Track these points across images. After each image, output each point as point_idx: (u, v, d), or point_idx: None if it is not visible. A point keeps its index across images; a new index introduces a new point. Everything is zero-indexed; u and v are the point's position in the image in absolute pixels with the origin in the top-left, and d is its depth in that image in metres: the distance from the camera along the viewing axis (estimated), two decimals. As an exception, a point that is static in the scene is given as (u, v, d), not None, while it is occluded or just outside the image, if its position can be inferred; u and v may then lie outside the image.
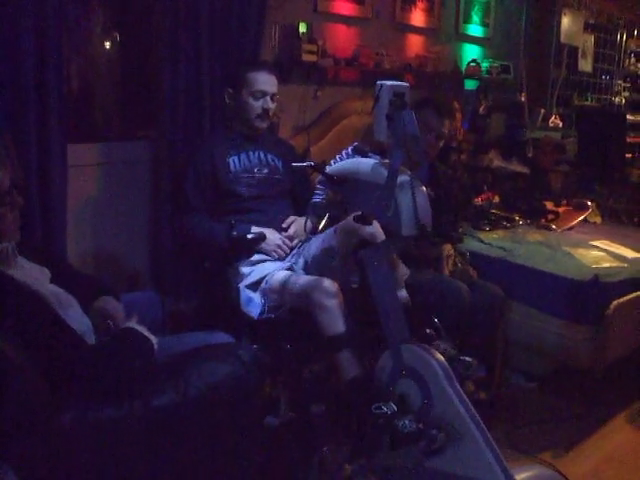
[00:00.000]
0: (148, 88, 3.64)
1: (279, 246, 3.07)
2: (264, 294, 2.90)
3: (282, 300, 2.84)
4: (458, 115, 4.67)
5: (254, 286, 2.95)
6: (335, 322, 2.66)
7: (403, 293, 3.00)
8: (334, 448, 2.65)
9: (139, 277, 3.60)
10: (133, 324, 2.18)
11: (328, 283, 2.72)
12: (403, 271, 3.06)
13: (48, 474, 1.88)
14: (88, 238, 3.40)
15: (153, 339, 2.17)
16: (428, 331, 2.77)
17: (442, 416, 2.28)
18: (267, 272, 2.95)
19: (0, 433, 1.81)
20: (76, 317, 2.14)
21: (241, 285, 2.95)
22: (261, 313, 2.88)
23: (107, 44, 3.78)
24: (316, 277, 2.80)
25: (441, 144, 3.61)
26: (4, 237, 2.06)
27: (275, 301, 2.86)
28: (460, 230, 3.94)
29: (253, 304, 2.90)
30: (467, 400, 2.33)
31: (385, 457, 2.33)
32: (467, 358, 2.67)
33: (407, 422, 2.27)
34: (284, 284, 2.86)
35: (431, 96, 3.65)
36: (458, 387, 2.34)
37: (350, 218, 2.67)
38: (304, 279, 2.84)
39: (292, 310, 2.84)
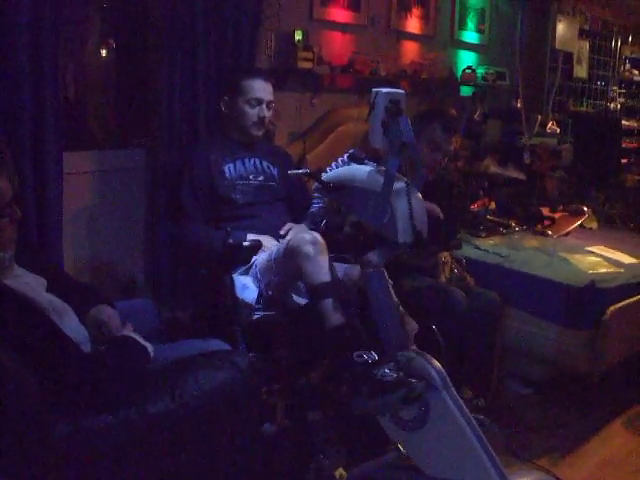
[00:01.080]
0: (144, 96, 3.65)
1: (275, 253, 3.08)
2: (256, 278, 2.91)
3: (274, 273, 2.85)
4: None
5: (245, 272, 2.96)
6: (319, 270, 2.67)
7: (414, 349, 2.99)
8: (330, 455, 2.64)
9: (135, 284, 3.60)
10: (129, 332, 2.18)
11: (308, 234, 2.76)
12: (413, 326, 3.05)
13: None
14: (84, 246, 3.40)
15: (149, 347, 2.17)
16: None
17: (439, 424, 2.28)
18: (254, 258, 2.97)
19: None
20: (72, 326, 2.13)
21: (234, 275, 2.95)
22: (258, 296, 2.88)
23: (103, 52, 3.79)
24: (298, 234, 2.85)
25: (446, 160, 3.61)
26: (2, 247, 2.06)
27: (267, 278, 2.87)
28: (458, 236, 3.94)
29: (248, 290, 2.91)
30: (464, 407, 2.33)
31: (364, 405, 2.33)
32: (480, 416, 2.68)
33: (387, 370, 2.27)
34: (270, 257, 2.88)
35: (437, 109, 3.62)
36: (455, 393, 2.34)
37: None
38: (285, 242, 2.87)
39: (284, 281, 2.85)
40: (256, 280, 2.92)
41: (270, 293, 2.87)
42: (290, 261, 2.75)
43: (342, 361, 2.47)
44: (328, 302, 2.64)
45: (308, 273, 2.69)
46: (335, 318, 2.61)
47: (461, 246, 3.85)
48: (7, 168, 2.08)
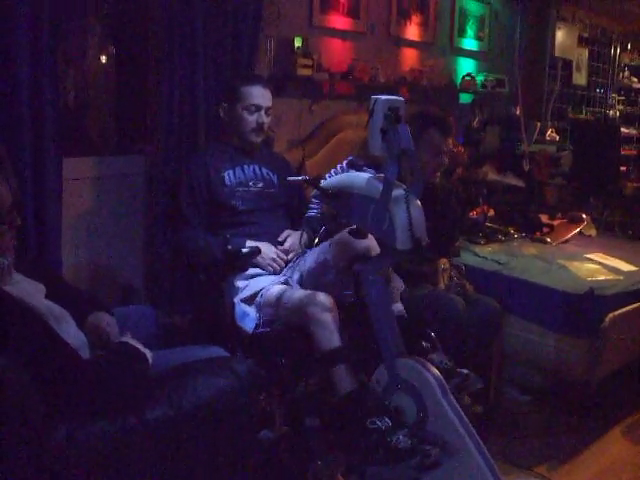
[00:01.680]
0: (143, 102, 3.65)
1: (274, 260, 3.07)
2: (259, 308, 2.89)
3: (277, 314, 2.84)
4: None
5: (249, 300, 2.94)
6: (330, 336, 2.66)
7: (398, 306, 3.00)
8: (328, 462, 2.64)
9: (133, 291, 3.60)
10: (127, 339, 2.18)
11: (323, 297, 2.72)
12: (398, 284, 3.06)
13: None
14: (83, 252, 3.40)
15: (147, 353, 2.17)
16: (424, 344, 2.77)
17: (437, 430, 2.28)
18: (262, 286, 2.95)
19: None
20: (71, 332, 2.13)
21: (236, 299, 2.95)
22: (256, 327, 2.87)
23: (103, 58, 3.79)
24: (311, 291, 2.80)
25: (447, 161, 3.61)
26: (1, 253, 2.06)
27: (270, 315, 2.86)
28: (457, 243, 3.94)
29: (248, 319, 2.90)
30: (462, 413, 2.33)
31: (379, 473, 2.32)
32: (464, 370, 2.67)
33: (401, 437, 2.27)
34: (279, 298, 2.85)
35: (431, 113, 3.63)
36: (453, 401, 2.34)
37: (345, 232, 2.67)
38: (299, 293, 2.83)
39: (287, 324, 2.83)
40: (258, 309, 2.90)
41: (268, 330, 2.86)
42: (298, 314, 2.74)
43: (356, 429, 2.45)
44: (339, 369, 2.63)
45: (318, 338, 2.68)
46: (347, 384, 2.61)
47: (459, 253, 3.86)
48: (7, 174, 2.08)
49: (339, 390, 2.61)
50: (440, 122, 3.50)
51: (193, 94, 3.52)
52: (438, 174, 3.56)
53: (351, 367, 2.64)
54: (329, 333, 2.66)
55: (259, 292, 2.93)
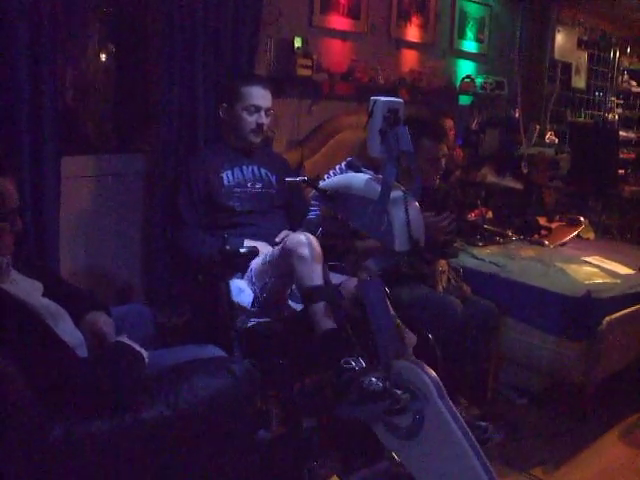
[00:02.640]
0: (142, 101, 3.65)
1: (272, 260, 3.07)
2: (251, 281, 2.91)
3: (269, 275, 2.85)
4: (451, 132, 4.69)
5: (241, 276, 2.96)
6: (310, 273, 2.67)
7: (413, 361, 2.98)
8: (325, 463, 2.64)
9: (131, 290, 3.60)
10: (124, 338, 2.18)
11: (302, 235, 2.75)
12: (411, 339, 3.05)
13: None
14: (81, 250, 3.40)
15: (144, 353, 2.16)
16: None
17: (433, 432, 2.28)
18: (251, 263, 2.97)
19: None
20: (68, 330, 2.14)
21: (231, 280, 2.95)
22: (254, 299, 2.88)
23: (102, 56, 3.79)
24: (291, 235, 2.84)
25: (444, 165, 3.62)
26: (1, 251, 2.06)
27: (262, 281, 2.87)
28: (455, 245, 3.95)
29: (244, 294, 2.91)
30: (459, 416, 2.33)
31: (349, 411, 2.33)
32: (482, 423, 2.68)
33: (373, 379, 2.27)
34: (264, 260, 2.89)
35: (422, 120, 3.64)
36: (450, 403, 2.34)
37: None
38: (280, 245, 2.87)
39: (278, 280, 2.84)
40: (251, 283, 2.92)
41: (265, 296, 2.87)
42: (284, 262, 2.75)
43: (330, 366, 2.47)
44: (320, 306, 2.64)
45: (301, 275, 2.69)
46: (326, 322, 2.61)
47: (457, 254, 3.86)
48: (13, 175, 2.11)
49: (318, 327, 2.61)
50: (431, 129, 3.52)
51: (192, 93, 3.52)
52: (438, 177, 3.57)
53: (330, 306, 2.64)
54: (309, 269, 2.67)
55: (248, 268, 2.95)
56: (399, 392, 2.24)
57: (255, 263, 2.94)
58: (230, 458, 2.23)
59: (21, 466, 1.84)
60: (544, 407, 3.83)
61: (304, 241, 2.71)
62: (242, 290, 2.93)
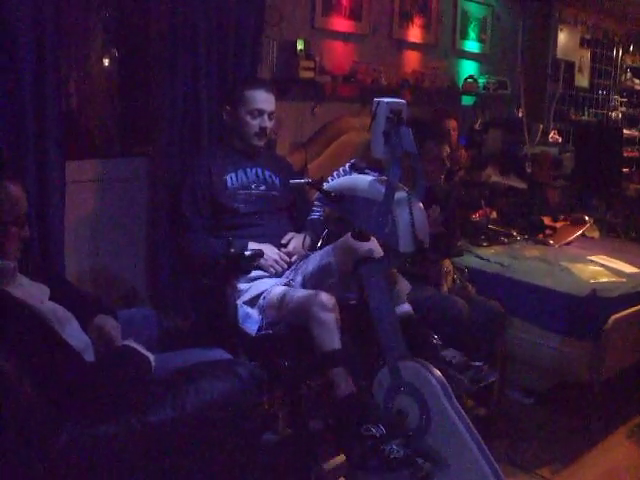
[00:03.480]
0: (146, 105, 3.65)
1: (277, 261, 3.07)
2: (262, 310, 2.90)
3: (279, 316, 2.84)
4: (454, 133, 4.70)
5: (251, 302, 2.95)
6: (331, 337, 2.66)
7: (406, 306, 3.00)
8: (331, 464, 2.65)
9: (136, 294, 3.60)
10: (130, 342, 2.18)
11: (325, 297, 2.72)
12: (405, 286, 3.06)
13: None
14: (86, 254, 3.40)
15: (150, 356, 2.17)
16: (435, 341, 2.77)
17: (433, 442, 2.28)
18: (264, 288, 2.95)
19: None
20: (74, 334, 2.14)
21: (239, 301, 2.95)
22: (259, 329, 2.87)
23: (105, 61, 3.80)
24: (314, 291, 2.80)
25: (449, 164, 3.63)
26: (7, 256, 2.07)
27: (273, 317, 2.86)
28: (459, 244, 3.94)
29: (251, 320, 2.90)
30: (465, 416, 2.33)
31: (370, 477, 2.33)
32: (477, 363, 2.68)
33: (394, 446, 2.27)
34: (282, 299, 2.86)
35: (425, 123, 3.65)
36: (456, 403, 2.34)
37: (348, 235, 2.67)
38: (301, 293, 2.84)
39: (289, 325, 2.83)
40: (261, 311, 2.90)
41: (270, 332, 2.87)
42: (300, 314, 2.73)
43: (350, 432, 2.45)
44: (338, 371, 2.63)
45: (318, 338, 2.67)
46: (345, 388, 2.60)
47: (462, 253, 3.86)
48: (22, 180, 2.13)
49: (337, 393, 2.61)
50: (434, 132, 3.53)
51: (196, 97, 3.53)
52: (442, 177, 3.58)
53: (350, 370, 2.64)
54: (329, 334, 2.66)
55: (261, 294, 2.93)
56: (421, 461, 2.25)
57: (271, 294, 2.91)
58: (237, 460, 2.23)
59: (29, 470, 1.85)
60: (550, 407, 3.82)
61: (327, 305, 2.69)
62: (249, 317, 2.92)
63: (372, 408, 2.51)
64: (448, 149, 3.60)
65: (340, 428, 2.59)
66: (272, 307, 2.86)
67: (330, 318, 2.66)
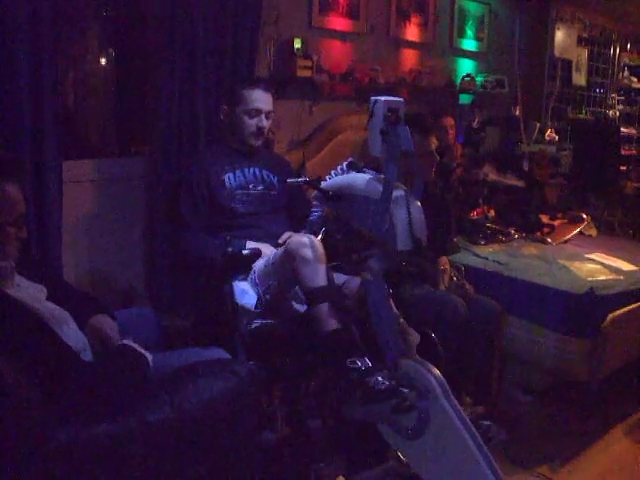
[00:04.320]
0: (143, 104, 3.65)
1: (274, 261, 3.08)
2: (254, 283, 2.91)
3: (271, 278, 2.85)
4: (451, 131, 4.70)
5: (245, 279, 2.97)
6: (313, 274, 2.66)
7: (417, 359, 2.99)
8: (330, 463, 2.64)
9: (134, 293, 3.60)
10: (128, 341, 2.18)
11: (305, 237, 2.75)
12: (415, 337, 3.05)
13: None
14: (83, 254, 3.40)
15: (148, 356, 2.17)
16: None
17: (438, 430, 2.28)
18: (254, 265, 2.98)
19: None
20: (72, 334, 2.14)
21: (234, 282, 2.95)
22: (258, 301, 2.88)
23: (102, 61, 3.80)
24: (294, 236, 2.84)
25: (438, 159, 3.62)
26: (5, 257, 2.07)
27: (265, 282, 2.87)
28: (455, 240, 3.94)
29: (248, 296, 2.90)
30: (464, 414, 2.33)
31: (355, 411, 2.33)
32: (486, 422, 2.68)
33: (379, 379, 2.27)
34: (267, 262, 2.89)
35: (408, 116, 3.65)
36: (455, 402, 2.33)
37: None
38: (283, 247, 2.87)
39: (282, 283, 2.84)
40: (255, 285, 2.92)
41: (268, 297, 2.87)
42: (287, 264, 2.74)
43: (335, 367, 2.47)
44: (324, 307, 2.63)
45: (304, 277, 2.68)
46: (330, 323, 2.61)
47: (459, 250, 3.86)
48: (19, 181, 2.12)
49: (323, 328, 2.61)
50: (417, 124, 3.52)
51: (193, 96, 3.53)
52: (433, 171, 3.58)
53: (334, 307, 2.64)
54: (312, 270, 2.67)
55: (251, 270, 2.95)
56: (406, 390, 2.24)
57: (258, 265, 2.94)
58: (235, 460, 2.23)
59: (25, 470, 1.85)
60: (549, 405, 3.82)
61: (307, 243, 2.71)
62: (246, 292, 2.93)
63: (358, 343, 2.52)
64: (435, 141, 3.59)
65: (326, 363, 2.60)
66: (262, 274, 2.88)
67: (312, 254, 2.68)
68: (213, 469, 2.17)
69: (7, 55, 2.81)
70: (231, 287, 2.94)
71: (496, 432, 2.72)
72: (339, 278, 2.99)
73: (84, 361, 2.09)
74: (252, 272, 2.95)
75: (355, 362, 2.36)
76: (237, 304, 2.91)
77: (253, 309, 2.88)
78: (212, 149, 3.37)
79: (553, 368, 3.73)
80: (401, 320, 2.84)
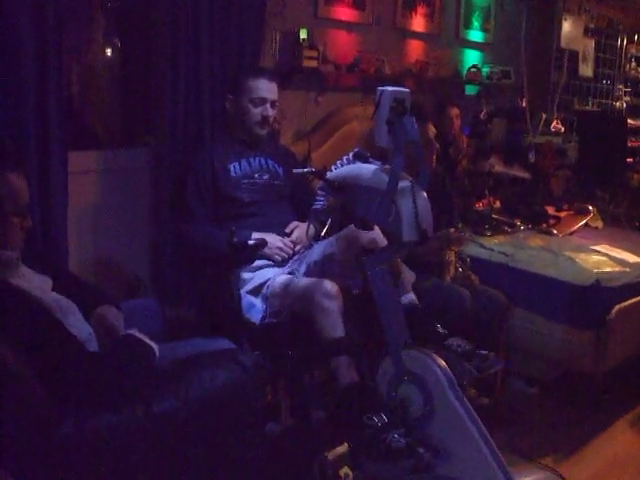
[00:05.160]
0: (148, 95, 3.64)
1: (281, 248, 3.08)
2: (265, 299, 2.90)
3: (283, 304, 2.84)
4: (457, 121, 4.69)
5: (255, 291, 2.95)
6: (333, 325, 2.66)
7: (411, 296, 3.00)
8: (334, 454, 2.64)
9: (140, 284, 3.60)
10: (134, 331, 2.18)
11: (329, 285, 2.72)
12: (409, 275, 3.06)
13: (49, 481, 1.88)
14: (89, 245, 3.40)
15: (154, 346, 2.17)
16: (440, 330, 2.77)
17: (442, 422, 2.28)
18: (268, 277, 2.95)
19: (1, 440, 1.81)
20: (77, 324, 2.14)
21: (242, 291, 2.95)
22: (263, 318, 2.88)
23: (107, 51, 3.79)
24: (317, 279, 2.80)
25: (437, 146, 3.62)
26: (10, 247, 2.07)
27: (276, 306, 2.86)
28: (460, 226, 3.94)
29: (255, 310, 2.90)
30: (469, 405, 2.33)
31: (373, 469, 2.33)
32: (483, 351, 2.68)
33: (396, 436, 2.27)
34: (285, 288, 2.86)
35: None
36: (460, 392, 2.34)
37: (351, 226, 2.67)
38: (305, 281, 2.85)
39: (293, 314, 2.83)
40: (264, 300, 2.90)
41: (274, 321, 2.86)
42: (304, 303, 2.73)
43: (353, 422, 2.46)
44: (341, 360, 2.63)
45: (323, 327, 2.68)
46: (348, 376, 2.61)
47: (466, 239, 3.86)
48: (24, 171, 2.12)
49: (340, 381, 2.61)
50: (414, 112, 3.51)
51: (198, 86, 3.51)
52: (434, 158, 3.57)
53: (353, 359, 2.64)
54: (332, 322, 2.66)
55: (265, 283, 2.94)
56: (421, 450, 2.24)
57: (273, 284, 2.92)
58: (239, 450, 2.23)
59: (32, 460, 1.85)
60: (554, 396, 3.82)
61: (329, 292, 2.70)
62: (253, 306, 2.93)
63: (374, 397, 2.50)
64: (433, 129, 3.59)
65: (342, 417, 2.59)
66: (276, 296, 2.87)
67: (334, 306, 2.67)
68: (218, 459, 2.17)
69: (12, 46, 2.80)
70: (236, 277, 2.94)
71: (493, 360, 2.73)
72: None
73: (90, 351, 2.09)
74: (265, 287, 2.93)
75: (372, 418, 2.36)
76: (241, 295, 2.91)
77: (257, 323, 2.88)
78: (217, 139, 3.37)
79: (558, 360, 3.73)
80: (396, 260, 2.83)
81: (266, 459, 2.37)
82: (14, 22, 2.78)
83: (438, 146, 3.63)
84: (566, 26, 6.27)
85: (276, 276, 2.95)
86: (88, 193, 3.39)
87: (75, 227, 3.23)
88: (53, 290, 2.22)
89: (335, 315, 2.66)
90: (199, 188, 3.13)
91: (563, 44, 6.29)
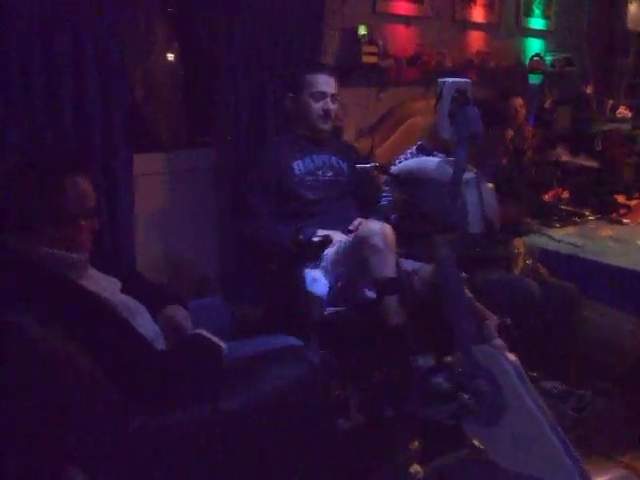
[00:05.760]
0: (210, 96, 3.68)
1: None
2: (326, 270, 2.91)
3: (342, 265, 2.84)
4: (521, 110, 4.61)
5: (315, 266, 2.97)
6: (382, 264, 2.65)
7: (498, 341, 2.95)
8: (405, 451, 2.63)
9: (208, 283, 3.64)
10: (201, 330, 2.20)
11: (377, 224, 2.74)
12: (494, 320, 3.01)
13: (118, 478, 1.90)
14: (156, 246, 3.45)
15: (223, 345, 2.18)
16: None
17: (514, 418, 2.24)
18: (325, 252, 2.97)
19: (72, 437, 1.85)
20: (145, 324, 2.16)
21: (305, 270, 2.96)
22: (329, 290, 2.88)
23: (169, 54, 3.84)
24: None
25: (511, 149, 3.60)
26: (78, 249, 2.11)
27: (337, 270, 2.87)
28: (527, 220, 3.87)
29: (318, 283, 2.91)
30: (541, 401, 2.28)
31: (416, 410, 2.31)
32: (580, 391, 2.63)
33: (441, 380, 2.24)
34: (338, 249, 2.88)
35: (491, 107, 3.61)
36: (532, 387, 2.29)
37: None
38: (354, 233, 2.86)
39: (351, 271, 2.83)
40: (326, 273, 2.91)
41: (340, 285, 2.86)
42: (357, 251, 2.73)
43: (398, 363, 2.44)
44: (392, 299, 2.62)
45: (374, 266, 2.67)
46: (396, 317, 2.59)
47: (531, 232, 3.79)
48: (90, 174, 2.16)
49: (388, 322, 2.59)
50: (500, 116, 3.50)
51: (259, 86, 3.54)
52: (505, 159, 3.54)
53: (401, 300, 2.61)
54: (381, 260, 2.65)
55: (322, 258, 2.95)
56: (466, 396, 2.21)
57: (329, 252, 2.93)
58: (309, 447, 2.23)
59: (101, 457, 1.88)
60: (628, 390, 3.73)
61: (377, 231, 2.69)
62: (316, 280, 2.93)
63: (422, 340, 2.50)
64: (512, 132, 3.55)
65: (389, 357, 2.58)
66: (334, 261, 2.88)
67: (382, 242, 2.65)
68: (287, 456, 2.17)
69: (75, 51, 2.85)
70: (302, 274, 2.94)
71: (591, 400, 2.68)
72: (411, 265, 2.96)
73: (158, 350, 2.11)
74: (324, 259, 2.95)
75: (417, 360, 2.34)
76: (308, 292, 2.91)
77: (324, 297, 2.88)
78: (281, 137, 3.39)
79: (631, 352, 3.64)
80: (477, 303, 2.80)
81: (336, 456, 2.37)
82: (76, 27, 2.83)
83: (512, 148, 3.59)
84: (633, 7, 6.11)
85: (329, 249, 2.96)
86: (154, 195, 3.44)
87: (142, 228, 3.28)
88: (121, 291, 2.25)
89: (385, 252, 2.65)
90: (263, 186, 3.15)
91: (630, 25, 6.12)
